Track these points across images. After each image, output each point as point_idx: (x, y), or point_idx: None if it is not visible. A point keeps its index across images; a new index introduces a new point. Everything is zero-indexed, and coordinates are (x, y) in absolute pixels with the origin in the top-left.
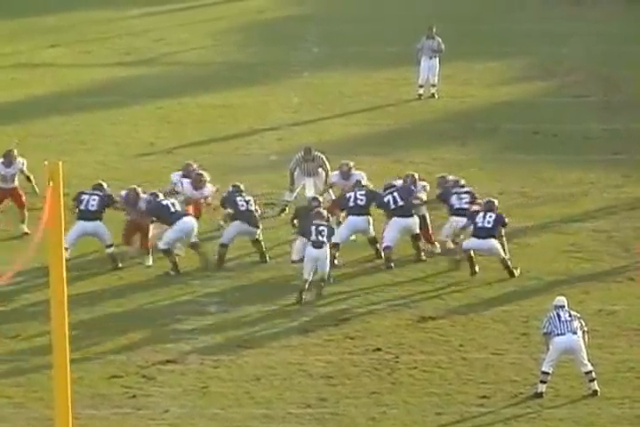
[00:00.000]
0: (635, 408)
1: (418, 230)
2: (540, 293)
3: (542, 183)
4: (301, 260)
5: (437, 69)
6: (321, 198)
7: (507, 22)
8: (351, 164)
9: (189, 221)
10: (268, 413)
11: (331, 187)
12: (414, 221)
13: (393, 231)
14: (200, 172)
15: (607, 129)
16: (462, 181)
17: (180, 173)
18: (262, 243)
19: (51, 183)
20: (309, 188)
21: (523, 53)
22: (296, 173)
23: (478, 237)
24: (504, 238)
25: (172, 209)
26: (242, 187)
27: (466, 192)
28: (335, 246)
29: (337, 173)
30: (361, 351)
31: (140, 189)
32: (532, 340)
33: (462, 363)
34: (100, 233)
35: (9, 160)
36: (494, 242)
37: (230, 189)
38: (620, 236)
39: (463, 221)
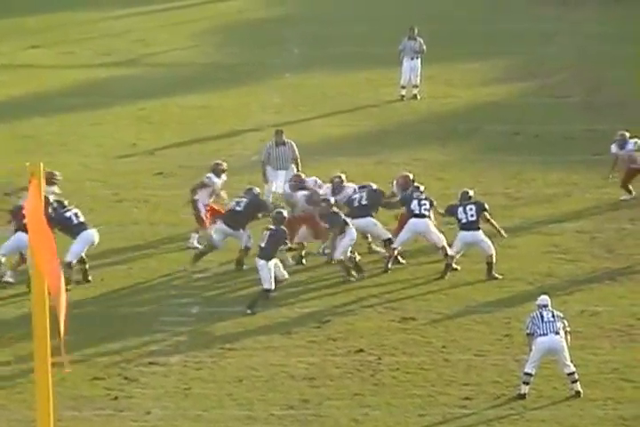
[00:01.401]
0: (618, 409)
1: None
2: (522, 294)
3: (524, 184)
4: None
5: (419, 70)
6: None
7: (489, 23)
8: (343, 176)
9: (92, 233)
10: (250, 414)
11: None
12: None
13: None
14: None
15: (589, 130)
16: (422, 188)
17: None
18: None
19: (32, 184)
20: (279, 184)
21: (505, 54)
22: (268, 169)
23: (467, 230)
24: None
25: (75, 221)
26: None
27: (425, 198)
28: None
29: (328, 186)
30: (343, 353)
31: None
32: (514, 341)
33: (445, 364)
34: None
35: None
36: (482, 234)
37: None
38: (603, 237)
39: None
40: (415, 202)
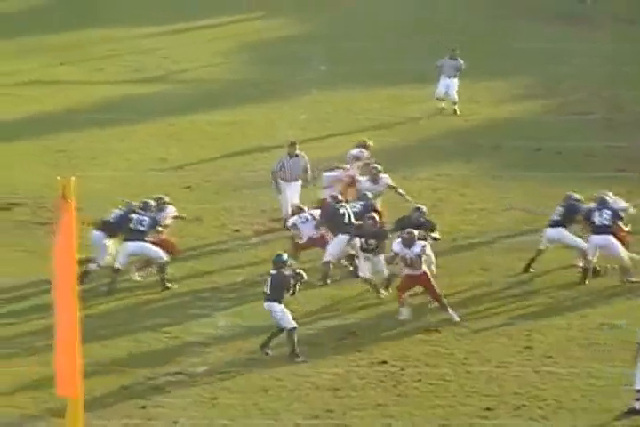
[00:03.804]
0: (637, 420)
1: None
2: (543, 307)
3: (547, 199)
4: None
5: (456, 88)
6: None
7: (510, 41)
8: (379, 167)
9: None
10: (275, 424)
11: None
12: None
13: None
14: (375, 166)
15: (610, 146)
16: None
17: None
18: None
19: (64, 198)
20: (293, 194)
21: (526, 72)
22: (280, 180)
23: (599, 234)
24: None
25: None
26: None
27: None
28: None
29: (366, 178)
30: (367, 364)
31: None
32: (534, 353)
33: (466, 376)
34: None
35: None
36: (613, 239)
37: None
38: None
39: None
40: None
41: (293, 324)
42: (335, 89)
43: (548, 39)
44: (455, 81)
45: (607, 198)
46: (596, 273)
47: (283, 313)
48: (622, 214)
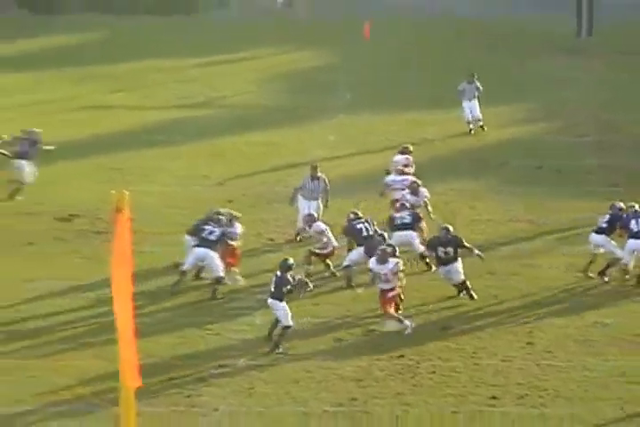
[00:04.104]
0: (626, 408)
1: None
2: (544, 308)
3: (546, 212)
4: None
5: (478, 108)
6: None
7: (513, 71)
8: (419, 181)
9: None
10: (305, 411)
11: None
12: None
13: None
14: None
15: (604, 164)
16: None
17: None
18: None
19: (118, 210)
20: (305, 208)
21: (528, 99)
22: (300, 197)
23: (637, 238)
24: None
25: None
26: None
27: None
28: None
29: (407, 191)
30: (387, 358)
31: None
32: (536, 349)
33: (475, 368)
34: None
35: None
36: None
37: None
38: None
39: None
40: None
41: (290, 322)
42: (359, 114)
43: (548, 69)
44: (475, 102)
45: (638, 208)
46: (588, 278)
47: (284, 311)
48: None
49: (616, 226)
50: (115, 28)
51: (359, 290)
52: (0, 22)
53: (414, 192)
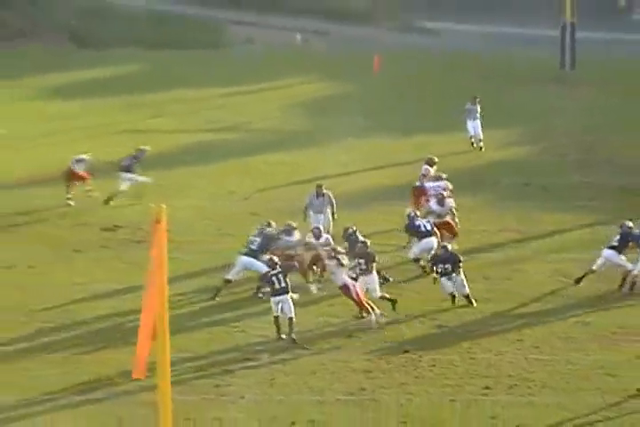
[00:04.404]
0: (605, 397)
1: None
2: (531, 309)
3: (533, 223)
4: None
5: (480, 128)
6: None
7: (503, 99)
8: (445, 193)
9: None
10: (321, 399)
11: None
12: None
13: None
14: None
15: (584, 181)
16: (448, 246)
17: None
18: None
19: (157, 222)
20: (315, 222)
21: (518, 123)
22: (310, 213)
23: None
24: None
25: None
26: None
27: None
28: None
29: (434, 201)
30: (393, 353)
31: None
32: (524, 345)
33: (470, 362)
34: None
35: None
36: None
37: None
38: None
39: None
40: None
41: (293, 314)
42: (369, 137)
43: (536, 97)
44: (478, 122)
45: None
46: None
47: (289, 303)
48: None
49: (628, 242)
50: (152, 61)
51: (313, 288)
52: (52, 55)
53: (440, 203)
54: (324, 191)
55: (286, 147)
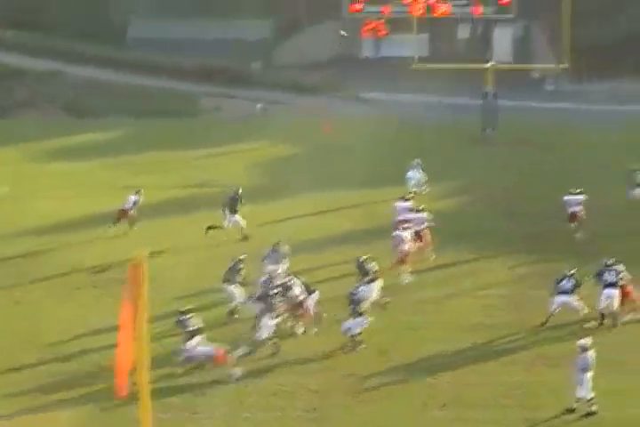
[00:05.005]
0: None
1: None
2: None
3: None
4: None
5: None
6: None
7: (435, 160)
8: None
9: None
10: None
11: None
12: None
13: None
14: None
15: (506, 227)
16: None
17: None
18: None
19: (134, 268)
20: (273, 275)
21: (450, 179)
22: (265, 262)
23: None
24: None
25: None
26: None
27: None
28: None
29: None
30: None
31: None
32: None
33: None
34: None
35: None
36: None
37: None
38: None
39: None
40: None
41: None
42: (322, 191)
43: (462, 157)
44: (422, 174)
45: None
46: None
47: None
48: None
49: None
50: (135, 127)
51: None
52: (49, 125)
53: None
54: (280, 246)
55: (251, 199)
